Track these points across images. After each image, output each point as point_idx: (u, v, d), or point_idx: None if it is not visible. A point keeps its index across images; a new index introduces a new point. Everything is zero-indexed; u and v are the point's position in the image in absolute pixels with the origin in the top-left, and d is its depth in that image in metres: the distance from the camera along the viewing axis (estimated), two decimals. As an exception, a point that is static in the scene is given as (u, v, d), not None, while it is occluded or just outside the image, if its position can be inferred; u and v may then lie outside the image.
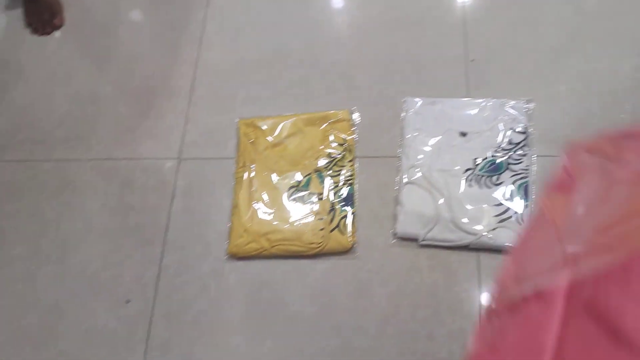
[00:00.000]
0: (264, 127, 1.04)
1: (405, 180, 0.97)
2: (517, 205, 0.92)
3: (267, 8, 1.18)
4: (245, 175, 1.01)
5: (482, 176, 0.95)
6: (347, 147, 1.02)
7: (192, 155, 1.06)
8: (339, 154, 1.01)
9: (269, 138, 1.04)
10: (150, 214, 1.02)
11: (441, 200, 0.94)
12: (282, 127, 1.04)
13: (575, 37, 1.06)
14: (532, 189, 0.94)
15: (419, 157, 0.98)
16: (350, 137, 1.02)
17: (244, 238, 0.97)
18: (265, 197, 0.99)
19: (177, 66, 1.14)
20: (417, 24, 1.11)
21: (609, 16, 1.06)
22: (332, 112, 1.04)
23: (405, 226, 0.94)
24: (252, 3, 1.19)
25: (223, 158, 1.04)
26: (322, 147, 1.02)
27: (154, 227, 1.01)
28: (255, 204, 0.99)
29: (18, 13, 1.27)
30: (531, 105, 1.00)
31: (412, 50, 1.09)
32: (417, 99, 1.04)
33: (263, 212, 0.98)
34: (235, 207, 0.99)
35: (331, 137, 1.02)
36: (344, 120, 1.04)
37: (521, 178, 0.94)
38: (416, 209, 0.95)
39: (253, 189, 1.00)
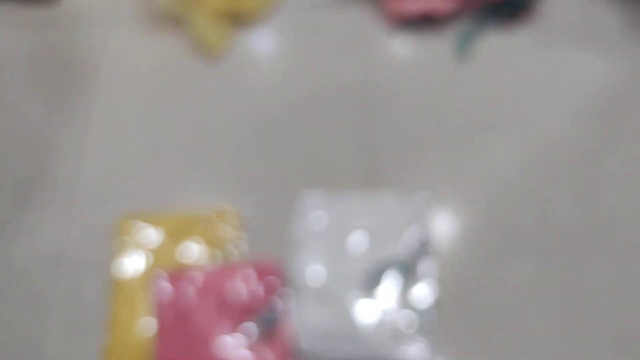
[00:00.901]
0: (146, 226, 0.96)
1: (299, 289, 0.90)
2: (419, 311, 0.85)
3: (158, 95, 1.09)
4: (126, 280, 0.92)
5: (383, 281, 0.89)
6: (235, 247, 0.94)
7: (73, 258, 0.95)
8: (227, 255, 0.93)
9: (152, 237, 0.95)
10: (21, 330, 0.91)
11: (340, 311, 0.86)
12: (166, 225, 0.96)
13: (485, 122, 1.00)
14: (435, 291, 0.87)
15: (314, 262, 0.90)
16: (240, 235, 0.94)
17: (121, 356, 0.87)
18: (148, 305, 0.90)
19: (59, 157, 1.04)
20: (317, 106, 1.04)
21: (514, 103, 1.01)
22: (219, 207, 0.97)
23: (302, 341, 0.86)
24: (143, 84, 1.10)
25: (106, 260, 0.93)
26: (208, 246, 0.94)
27: (26, 345, 0.90)
28: (137, 314, 0.89)
29: None
30: (435, 199, 0.93)
31: (311, 136, 1.02)
32: (314, 193, 0.96)
33: (145, 323, 0.89)
34: (114, 318, 0.89)
35: (218, 236, 0.94)
36: (232, 216, 0.95)
37: (423, 280, 0.88)
38: (313, 321, 0.87)
39: (134, 295, 0.91)
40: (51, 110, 1.10)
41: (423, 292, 0.87)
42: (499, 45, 1.06)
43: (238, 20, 1.12)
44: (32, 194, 1.02)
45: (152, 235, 0.96)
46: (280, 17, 1.13)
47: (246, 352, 0.85)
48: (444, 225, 0.92)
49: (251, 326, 0.87)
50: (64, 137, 1.07)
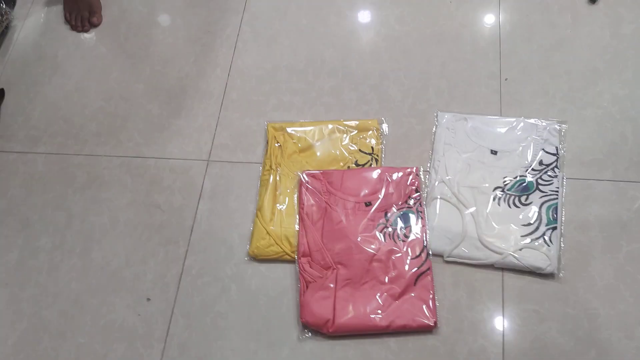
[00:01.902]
0: (293, 132, 1.05)
1: (433, 195, 0.97)
2: (545, 225, 0.91)
3: (303, 16, 1.19)
4: (271, 178, 1.01)
5: (511, 195, 0.95)
6: (374, 157, 1.02)
7: (220, 158, 1.06)
8: (366, 163, 1.01)
9: (297, 143, 1.04)
10: (176, 214, 1.03)
11: (469, 217, 0.94)
12: (311, 133, 1.05)
13: (611, 61, 1.05)
14: (561, 211, 0.93)
15: (448, 172, 0.98)
16: (379, 146, 1.02)
17: (265, 240, 0.97)
18: (289, 201, 1.00)
19: (210, 69, 1.16)
20: (452, 40, 1.11)
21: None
22: (361, 121, 1.05)
23: (431, 241, 0.94)
24: (288, 11, 1.20)
25: (251, 162, 1.05)
26: (350, 155, 1.02)
27: (179, 227, 1.01)
28: (280, 207, 0.99)
29: (58, 9, 1.30)
30: (564, 127, 0.99)
31: (446, 66, 1.09)
32: (448, 114, 1.03)
33: (286, 215, 0.99)
34: (259, 209, 0.99)
35: (359, 146, 1.02)
36: (373, 129, 1.04)
37: (550, 199, 0.93)
38: (443, 224, 0.94)
39: (278, 192, 1.00)
40: (204, 29, 1.22)
41: (548, 209, 0.92)
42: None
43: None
44: (186, 102, 1.14)
45: (298, 140, 1.04)
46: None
47: (383, 247, 0.93)
48: (574, 152, 0.98)
49: (387, 224, 0.95)
50: (216, 54, 1.18)
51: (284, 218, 0.99)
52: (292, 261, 0.95)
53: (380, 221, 0.95)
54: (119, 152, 1.11)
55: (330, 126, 1.05)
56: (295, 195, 1.00)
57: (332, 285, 0.91)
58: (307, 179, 1.00)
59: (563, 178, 0.95)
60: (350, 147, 1.03)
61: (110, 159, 1.10)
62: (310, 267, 0.94)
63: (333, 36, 1.16)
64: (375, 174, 0.99)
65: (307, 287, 0.92)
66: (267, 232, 0.97)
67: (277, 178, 1.02)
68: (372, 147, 1.02)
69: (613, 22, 1.08)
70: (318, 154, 1.03)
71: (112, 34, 1.26)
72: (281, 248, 0.96)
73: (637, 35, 1.06)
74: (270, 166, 1.03)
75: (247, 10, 1.21)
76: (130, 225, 1.03)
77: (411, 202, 0.96)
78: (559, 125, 0.99)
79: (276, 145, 1.04)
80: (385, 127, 1.04)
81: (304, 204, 0.99)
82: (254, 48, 1.17)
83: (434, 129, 1.03)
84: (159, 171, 1.07)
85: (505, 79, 1.05)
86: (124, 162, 1.09)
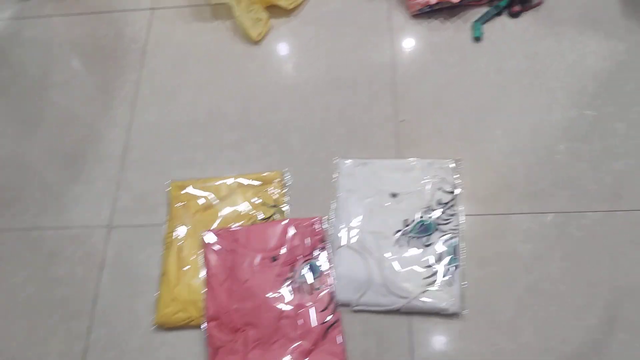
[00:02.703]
0: (196, 190, 1.03)
1: (338, 243, 0.97)
2: (447, 264, 0.93)
3: (202, 70, 1.18)
4: (175, 240, 0.99)
5: (413, 238, 0.96)
6: (279, 209, 1.01)
7: (123, 223, 1.03)
8: (271, 216, 1.01)
9: (201, 201, 1.03)
10: (77, 287, 0.99)
11: (373, 264, 0.94)
12: (214, 190, 1.03)
13: (497, 97, 1.09)
14: (461, 249, 0.95)
15: (351, 219, 0.99)
16: (282, 198, 1.02)
17: (171, 308, 0.94)
18: (195, 262, 0.97)
19: (109, 130, 1.13)
20: (349, 85, 1.13)
21: (528, 77, 1.10)
22: (264, 174, 1.04)
23: (339, 291, 0.93)
24: (187, 65, 1.19)
25: (155, 224, 1.02)
26: (254, 209, 1.01)
27: (82, 300, 0.97)
28: (186, 270, 0.97)
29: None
30: (459, 165, 1.02)
31: (345, 112, 1.10)
32: (348, 161, 1.04)
33: (193, 278, 0.96)
34: (163, 274, 0.97)
35: (264, 199, 1.02)
36: (276, 181, 1.03)
37: (450, 238, 0.96)
38: (349, 273, 0.95)
39: (183, 254, 0.98)
40: (101, 88, 1.19)
41: (449, 248, 0.94)
42: (510, 27, 1.16)
43: (275, 8, 1.21)
44: (84, 167, 1.10)
45: (201, 198, 1.03)
46: (313, 4, 1.23)
47: (291, 303, 0.92)
48: (468, 188, 1.00)
49: (294, 278, 0.95)
50: (115, 113, 1.15)
51: (190, 281, 0.96)
52: (200, 327, 0.93)
53: (288, 275, 0.95)
54: (14, 224, 1.05)
55: (233, 181, 1.04)
56: (201, 257, 0.99)
57: (241, 349, 0.90)
58: (211, 238, 0.99)
59: (461, 215, 0.98)
60: (254, 201, 1.02)
61: (4, 233, 1.05)
62: (219, 331, 0.92)
63: (233, 88, 1.16)
64: (280, 227, 0.99)
65: (216, 352, 0.90)
66: (173, 298, 0.95)
67: (182, 239, 1.00)
68: (276, 200, 1.02)
69: (496, 58, 1.13)
70: (222, 211, 1.02)
71: (3, 98, 1.21)
72: (189, 314, 0.94)
73: (519, 71, 1.11)
74: (174, 227, 1.01)
75: (145, 67, 1.20)
76: (29, 303, 0.98)
77: (317, 252, 0.97)
78: (454, 163, 1.02)
79: (179, 205, 1.03)
80: (288, 178, 1.05)
81: (209, 265, 0.97)
82: (153, 105, 1.15)
83: (334, 176, 1.03)
84: (59, 242, 1.03)
85: (402, 121, 1.08)
86: (20, 236, 1.04)
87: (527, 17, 1.16)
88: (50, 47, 1.26)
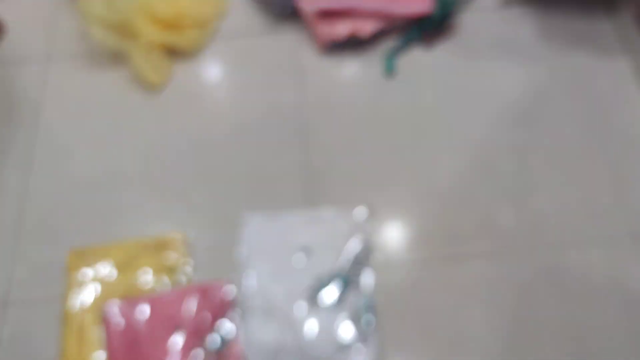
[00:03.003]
0: (95, 258, 0.96)
1: (248, 306, 0.91)
2: (363, 322, 0.88)
3: (101, 124, 1.11)
4: (74, 314, 0.92)
5: (326, 295, 0.91)
6: (182, 274, 0.95)
7: (19, 298, 0.95)
8: (175, 283, 0.94)
9: (101, 270, 0.96)
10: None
11: (285, 326, 0.89)
12: (114, 257, 0.96)
13: (411, 135, 1.05)
14: (377, 302, 0.90)
15: (260, 279, 0.93)
16: (187, 262, 0.96)
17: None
18: (96, 340, 0.90)
19: (1, 197, 1.05)
20: (256, 133, 1.07)
21: (443, 112, 1.07)
22: (167, 235, 0.98)
23: (251, 358, 0.88)
24: (85, 119, 1.12)
25: (53, 298, 0.94)
26: (156, 276, 0.95)
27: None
28: (86, 349, 0.89)
29: None
30: (373, 212, 0.97)
31: (252, 161, 1.05)
32: (256, 215, 0.99)
33: (94, 356, 0.89)
34: (62, 355, 0.89)
35: (167, 264, 0.95)
36: (179, 243, 0.97)
37: (365, 292, 0.90)
38: (261, 337, 0.89)
39: (83, 330, 0.90)
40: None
41: (364, 302, 0.90)
42: (423, 59, 1.12)
43: (175, 52, 1.15)
44: (-25, 237, 1.03)
45: (100, 267, 0.96)
46: (216, 46, 1.17)
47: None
48: (383, 236, 0.96)
49: (202, 350, 0.89)
50: (7, 178, 1.07)
51: (90, 360, 0.91)
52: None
53: (194, 346, 0.88)
54: None
55: (134, 246, 0.97)
56: (102, 332, 0.91)
57: None
58: (112, 310, 0.92)
59: (375, 267, 0.93)
60: (157, 266, 0.95)
61: None
62: (120, 416, 0.86)
63: (134, 142, 1.09)
64: (184, 294, 0.92)
65: None
66: (72, 384, 0.88)
67: (81, 313, 0.92)
68: (180, 264, 0.95)
69: (410, 93, 1.09)
70: (123, 280, 0.95)
71: None
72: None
73: (433, 106, 1.07)
74: (73, 301, 0.93)
75: (41, 125, 1.11)
76: None
77: (225, 319, 0.91)
78: (368, 211, 0.98)
79: (78, 275, 0.95)
80: (193, 238, 0.98)
81: (110, 341, 0.90)
82: (49, 166, 1.07)
83: (242, 234, 0.97)
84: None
85: (312, 169, 1.02)
86: None
87: (440, 47, 1.13)
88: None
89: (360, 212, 0.97)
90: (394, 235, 0.97)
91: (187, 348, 0.88)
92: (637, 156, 1.01)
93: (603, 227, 0.95)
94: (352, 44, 1.12)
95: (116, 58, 1.15)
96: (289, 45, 1.15)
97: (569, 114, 1.05)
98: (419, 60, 1.11)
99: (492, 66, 1.10)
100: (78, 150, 1.09)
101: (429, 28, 1.11)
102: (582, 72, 1.09)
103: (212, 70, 1.15)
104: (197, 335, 0.89)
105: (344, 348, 0.87)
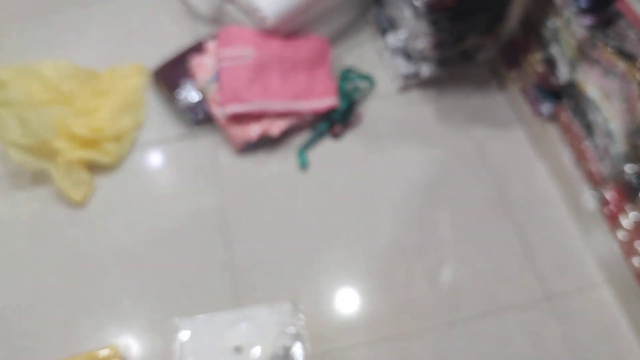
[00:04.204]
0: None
1: (182, 418, 0.92)
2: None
3: (24, 245, 1.10)
4: None
5: (259, 394, 0.93)
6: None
7: None
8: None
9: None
10: None
11: None
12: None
13: (329, 224, 1.10)
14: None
15: (196, 388, 0.94)
16: (121, 378, 0.96)
17: None
18: None
19: None
20: (180, 236, 1.09)
21: (356, 199, 1.12)
22: (99, 350, 0.96)
23: None
24: (7, 242, 1.11)
25: None
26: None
27: None
28: None
29: None
30: (298, 305, 0.98)
31: (178, 266, 1.06)
32: (188, 320, 0.98)
33: None
34: None
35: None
36: (112, 357, 0.96)
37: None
38: None
39: None
40: None
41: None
42: (334, 150, 1.18)
43: (96, 166, 1.17)
44: None
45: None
46: (135, 156, 1.20)
47: None
48: (310, 326, 0.96)
49: None
50: None
51: None
52: None
53: None
54: None
55: (67, 367, 0.97)
56: None
57: None
58: None
59: (304, 358, 0.96)
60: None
61: None
62: None
63: (59, 260, 1.08)
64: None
65: None
66: None
67: None
68: (112, 381, 0.96)
69: (324, 184, 1.14)
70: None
71: None
72: None
73: (347, 193, 1.13)
74: None
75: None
76: None
77: None
78: (293, 305, 1.00)
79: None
80: (126, 351, 0.98)
81: None
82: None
83: (175, 340, 0.96)
84: None
85: (236, 268, 1.05)
86: None
87: (349, 137, 1.20)
88: None
89: (286, 306, 0.99)
90: (322, 323, 0.99)
91: None
92: (540, 219, 1.09)
93: (517, 291, 1.02)
94: (266, 142, 1.18)
95: (37, 177, 1.16)
96: (206, 149, 1.19)
97: (473, 185, 1.14)
98: (329, 150, 1.18)
99: (395, 149, 1.18)
100: (0, 274, 1.07)
101: (336, 120, 1.19)
102: (482, 145, 1.18)
103: (133, 180, 1.17)
104: None
105: None
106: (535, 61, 1.13)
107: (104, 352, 0.97)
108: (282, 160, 1.17)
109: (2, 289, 1.06)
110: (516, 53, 1.19)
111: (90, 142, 1.16)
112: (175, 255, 1.08)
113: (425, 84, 1.26)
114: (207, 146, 1.20)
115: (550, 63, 1.09)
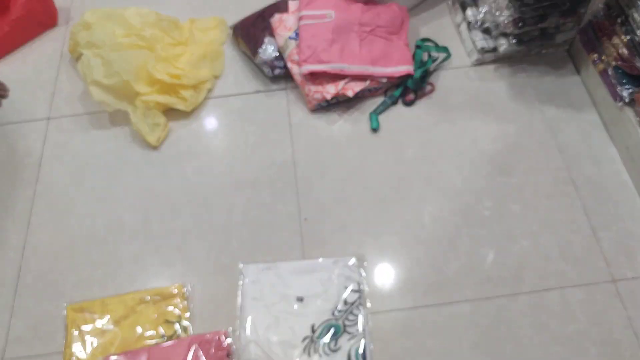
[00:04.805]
0: (94, 313, 0.98)
1: (245, 357, 0.93)
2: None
3: (100, 180, 1.15)
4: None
5: (321, 343, 0.93)
6: (181, 326, 0.97)
7: (17, 355, 0.96)
8: (174, 334, 0.96)
9: (99, 324, 0.97)
10: None
11: (283, 377, 0.92)
12: (113, 310, 0.98)
13: (397, 187, 1.11)
14: (370, 350, 0.93)
15: (258, 329, 0.95)
16: (186, 313, 0.98)
17: None
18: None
19: (1, 252, 1.07)
20: (250, 186, 1.12)
21: (426, 165, 1.13)
22: (165, 287, 1.00)
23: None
24: (84, 176, 1.16)
25: (52, 354, 0.95)
26: (156, 328, 0.96)
27: None
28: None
29: None
30: (364, 261, 1.02)
31: (247, 214, 1.09)
32: (252, 266, 1.02)
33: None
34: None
35: (166, 316, 0.97)
36: (178, 295, 1.00)
37: (358, 340, 0.93)
38: (257, 390, 0.92)
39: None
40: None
41: (358, 349, 0.92)
42: (406, 116, 1.19)
43: (172, 111, 1.21)
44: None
45: (100, 321, 0.97)
46: (213, 104, 1.23)
47: None
48: (374, 284, 1.00)
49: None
50: (7, 234, 1.09)
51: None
52: None
53: (193, 398, 0.90)
54: None
55: (133, 299, 0.99)
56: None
57: None
58: (111, 364, 0.94)
59: (368, 314, 0.97)
60: (155, 318, 0.97)
61: None
62: None
63: (132, 197, 1.13)
64: (183, 345, 0.94)
65: None
66: None
67: (79, 369, 0.94)
68: (178, 315, 0.98)
69: (394, 148, 1.15)
70: (122, 333, 0.97)
71: None
72: None
73: (416, 159, 1.14)
74: (72, 356, 0.94)
75: (40, 181, 1.15)
76: None
77: (223, 370, 0.93)
78: (359, 260, 1.02)
79: (76, 330, 0.97)
80: (191, 290, 1.01)
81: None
82: (49, 221, 1.10)
83: (239, 284, 1.00)
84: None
85: (305, 219, 1.07)
86: None
87: (421, 105, 1.20)
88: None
89: (351, 261, 1.01)
90: (384, 282, 1.00)
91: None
92: (610, 202, 1.08)
93: (582, 270, 1.01)
94: (339, 103, 1.20)
95: (115, 117, 1.21)
96: (280, 105, 1.22)
97: (542, 162, 1.13)
98: (401, 116, 1.19)
99: (467, 121, 1.18)
100: (76, 206, 1.12)
101: (410, 87, 1.19)
102: (554, 124, 1.17)
103: (207, 128, 1.20)
104: (195, 387, 0.91)
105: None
106: (620, 44, 1.11)
107: (170, 289, 1.01)
108: (354, 122, 1.18)
109: (76, 220, 1.11)
110: (598, 35, 1.17)
111: (168, 88, 1.19)
112: (245, 203, 1.10)
113: (501, 59, 1.25)
114: (281, 102, 1.22)
115: (637, 47, 1.08)
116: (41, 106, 1.26)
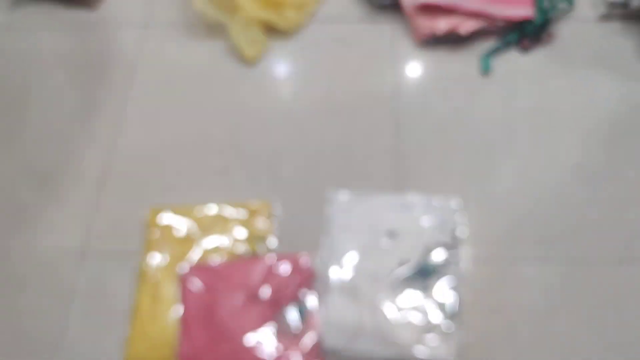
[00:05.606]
0: (175, 218, 0.96)
1: (328, 284, 0.89)
2: (446, 312, 0.85)
3: (193, 90, 1.12)
4: (151, 272, 0.91)
5: (410, 281, 0.88)
6: (264, 244, 0.94)
7: (97, 249, 0.95)
8: (257, 251, 0.93)
9: (180, 230, 0.95)
10: (43, 319, 0.90)
11: (365, 308, 0.86)
12: (195, 219, 0.96)
13: (506, 135, 1.03)
14: (462, 296, 0.87)
15: (343, 258, 0.91)
16: (270, 232, 0.95)
17: (142, 346, 0.85)
18: (171, 297, 0.89)
19: (90, 149, 1.06)
20: (348, 113, 1.07)
21: (539, 117, 1.05)
22: (250, 203, 0.97)
23: (327, 336, 0.85)
24: (177, 84, 1.13)
25: (131, 253, 0.94)
26: (238, 242, 0.93)
27: (48, 334, 0.89)
28: (160, 305, 0.88)
29: None
30: (463, 204, 0.95)
31: (342, 141, 1.04)
32: (343, 194, 0.97)
33: (168, 315, 0.88)
34: (136, 309, 0.88)
35: (249, 232, 0.94)
36: (264, 212, 0.96)
37: (451, 284, 0.87)
38: (339, 317, 0.86)
39: (158, 288, 0.90)
40: (86, 105, 1.12)
41: (449, 294, 0.87)
42: (519, 63, 1.11)
43: (272, 30, 1.16)
44: (60, 187, 1.02)
45: (181, 227, 0.95)
46: (313, 28, 1.17)
47: (273, 347, 0.84)
48: (471, 230, 0.93)
49: (278, 320, 0.87)
50: (98, 133, 1.08)
51: (164, 318, 0.88)
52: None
53: (271, 317, 0.86)
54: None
55: (217, 210, 0.97)
56: (177, 292, 0.90)
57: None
58: (189, 272, 0.91)
59: (463, 259, 0.90)
60: (238, 233, 0.95)
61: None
62: (193, 375, 0.84)
63: (223, 111, 1.09)
64: (265, 263, 0.91)
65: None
66: (145, 336, 0.86)
67: (157, 272, 0.91)
68: (262, 233, 0.94)
69: (505, 94, 1.07)
70: (203, 242, 0.94)
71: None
72: (161, 354, 0.85)
73: (528, 108, 1.06)
74: (150, 258, 0.93)
75: (133, 85, 1.13)
76: (-12, 335, 0.90)
77: (304, 293, 0.88)
78: (458, 202, 0.95)
79: (157, 233, 0.95)
80: (277, 209, 0.97)
81: (186, 302, 0.89)
82: (138, 125, 1.08)
83: (327, 210, 0.96)
84: (25, 268, 0.95)
85: (402, 155, 1.01)
86: (-17, 259, 0.97)
87: (537, 53, 1.11)
88: (35, 60, 1.19)
89: (449, 202, 0.95)
90: (482, 230, 0.94)
91: (263, 317, 0.86)
92: None
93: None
94: (450, 40, 1.12)
95: (213, 29, 1.16)
96: (386, 35, 1.15)
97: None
98: (515, 63, 1.10)
99: (588, 77, 1.09)
100: (168, 114, 1.10)
101: (528, 33, 1.10)
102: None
103: (307, 51, 1.15)
104: (274, 304, 0.88)
105: (425, 336, 0.84)
106: None
107: (255, 205, 0.97)
108: (464, 62, 1.11)
109: (166, 128, 1.08)
110: None
111: (271, 5, 1.14)
112: (342, 130, 1.05)
113: (631, 15, 1.14)
114: (388, 33, 1.15)
115: None
116: (139, 12, 1.23)
